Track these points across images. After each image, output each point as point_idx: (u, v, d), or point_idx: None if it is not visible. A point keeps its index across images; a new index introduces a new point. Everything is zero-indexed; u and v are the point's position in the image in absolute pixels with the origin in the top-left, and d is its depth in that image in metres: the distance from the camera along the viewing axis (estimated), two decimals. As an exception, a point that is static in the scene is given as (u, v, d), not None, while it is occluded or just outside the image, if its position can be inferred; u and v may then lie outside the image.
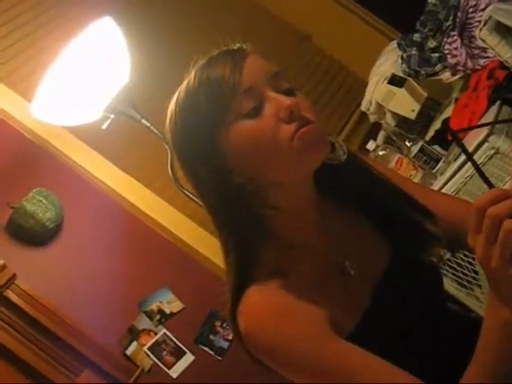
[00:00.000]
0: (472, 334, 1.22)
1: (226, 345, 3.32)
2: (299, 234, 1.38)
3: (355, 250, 1.43)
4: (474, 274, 3.02)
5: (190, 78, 1.34)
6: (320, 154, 1.30)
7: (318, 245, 1.40)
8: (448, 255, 2.70)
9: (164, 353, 3.28)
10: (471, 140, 2.90)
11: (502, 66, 3.08)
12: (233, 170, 1.30)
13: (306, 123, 1.27)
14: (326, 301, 1.32)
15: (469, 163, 2.83)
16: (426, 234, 1.48)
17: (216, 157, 1.30)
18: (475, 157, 2.80)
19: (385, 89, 3.69)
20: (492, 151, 2.76)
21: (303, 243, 1.37)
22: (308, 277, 1.35)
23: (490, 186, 1.15)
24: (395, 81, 3.64)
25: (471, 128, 2.47)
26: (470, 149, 2.83)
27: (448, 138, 3.23)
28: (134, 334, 3.27)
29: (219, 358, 3.32)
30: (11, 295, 3.15)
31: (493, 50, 3.08)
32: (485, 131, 2.76)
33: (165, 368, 3.26)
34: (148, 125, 2.83)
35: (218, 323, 3.37)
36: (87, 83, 2.81)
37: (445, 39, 3.42)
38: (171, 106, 1.37)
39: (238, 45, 1.39)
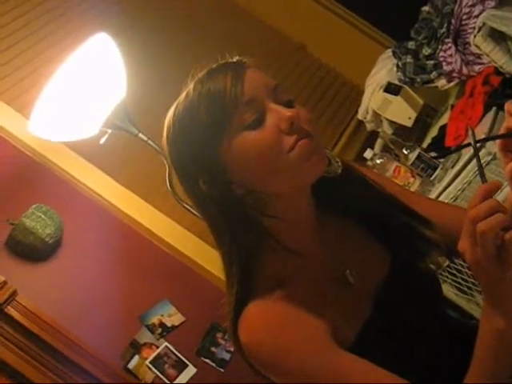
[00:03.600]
0: (471, 342, 1.22)
1: (227, 356, 3.32)
2: (299, 245, 1.37)
3: (354, 259, 1.44)
4: (473, 280, 3.03)
5: (189, 91, 1.34)
6: (317, 167, 1.31)
7: (317, 255, 1.40)
8: (447, 262, 2.70)
9: (166, 366, 3.27)
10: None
11: (497, 71, 3.10)
12: (233, 181, 1.31)
13: (305, 135, 1.28)
14: (326, 310, 1.32)
15: (467, 169, 2.85)
16: (424, 241, 1.48)
17: (217, 169, 1.30)
18: (472, 163, 2.82)
19: (381, 97, 3.70)
20: (489, 157, 2.77)
21: (303, 253, 1.37)
22: (308, 287, 1.35)
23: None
24: (391, 89, 3.66)
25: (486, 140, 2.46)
26: (467, 155, 2.85)
27: (445, 144, 3.24)
28: (135, 347, 3.27)
29: (221, 369, 3.31)
30: (12, 312, 3.15)
31: (487, 56, 3.09)
32: (482, 137, 2.76)
33: (167, 381, 3.25)
34: (145, 139, 2.83)
35: (219, 335, 3.36)
36: (84, 99, 2.82)
37: (439, 46, 3.43)
38: (169, 120, 1.37)
39: (237, 58, 1.40)
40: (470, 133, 1.23)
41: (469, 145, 1.24)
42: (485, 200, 1.09)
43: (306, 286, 1.35)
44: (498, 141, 1.27)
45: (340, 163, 1.38)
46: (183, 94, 1.35)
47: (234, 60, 1.39)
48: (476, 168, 2.81)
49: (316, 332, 1.29)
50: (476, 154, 1.26)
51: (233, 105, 1.27)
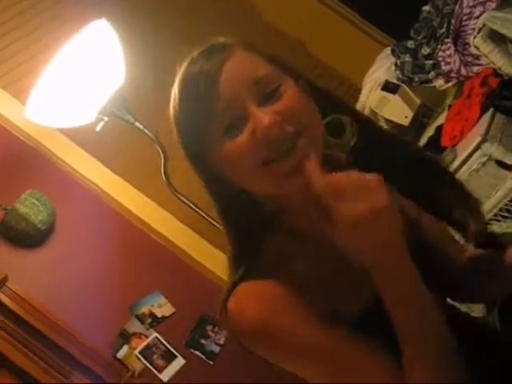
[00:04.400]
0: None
1: (217, 349, 3.31)
2: (299, 230, 1.36)
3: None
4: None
5: (174, 88, 1.32)
6: (298, 182, 1.23)
7: (321, 239, 1.38)
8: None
9: (155, 356, 3.27)
10: (464, 146, 2.91)
11: (496, 73, 3.09)
12: (227, 179, 1.30)
13: (280, 156, 1.22)
14: (324, 293, 1.29)
15: (462, 169, 2.85)
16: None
17: (210, 167, 1.30)
18: (469, 163, 2.82)
19: (378, 95, 3.70)
20: (485, 158, 2.77)
21: (305, 239, 1.35)
22: (308, 270, 1.32)
23: None
24: (389, 87, 3.65)
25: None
26: (463, 155, 2.85)
27: (441, 144, 3.24)
28: (125, 337, 3.27)
29: (210, 362, 3.31)
30: (2, 297, 3.15)
31: (486, 57, 3.09)
32: (478, 138, 2.77)
33: (155, 371, 3.25)
34: (141, 127, 2.83)
35: (209, 327, 3.36)
36: (81, 85, 2.81)
37: (439, 46, 3.43)
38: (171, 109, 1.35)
39: (221, 40, 1.34)
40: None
41: None
42: None
43: (305, 268, 1.32)
44: None
45: (355, 134, 1.30)
46: (172, 90, 1.33)
47: (218, 44, 1.33)
48: (471, 168, 2.82)
49: (305, 308, 1.26)
50: None
51: (208, 112, 1.24)
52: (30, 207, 3.26)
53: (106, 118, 2.88)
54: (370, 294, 1.27)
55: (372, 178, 1.12)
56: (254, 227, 1.35)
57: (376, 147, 1.38)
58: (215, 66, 1.26)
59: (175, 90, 1.31)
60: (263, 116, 1.21)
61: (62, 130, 3.54)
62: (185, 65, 1.31)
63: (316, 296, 1.27)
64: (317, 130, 1.27)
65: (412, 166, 1.43)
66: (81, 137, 3.57)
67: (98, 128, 2.90)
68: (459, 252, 1.56)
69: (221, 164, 1.27)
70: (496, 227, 2.91)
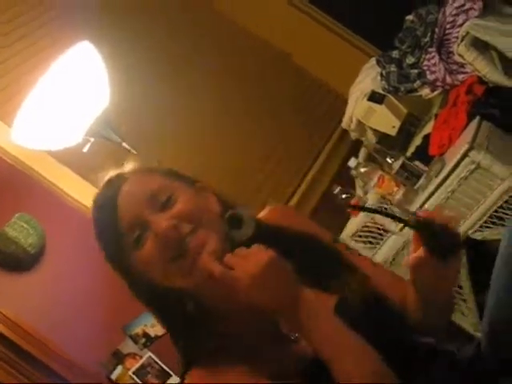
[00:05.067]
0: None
1: (211, 366, 3.30)
2: (223, 314, 1.45)
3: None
4: (458, 289, 3.03)
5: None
6: (201, 274, 1.36)
7: (250, 319, 1.43)
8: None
9: (149, 376, 3.26)
10: (452, 154, 2.91)
11: (481, 80, 3.10)
12: (152, 283, 1.41)
13: (181, 250, 1.36)
14: (269, 365, 1.38)
15: (451, 177, 2.85)
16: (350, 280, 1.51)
17: (135, 277, 1.43)
18: (457, 171, 2.82)
19: (365, 106, 3.70)
20: (473, 166, 2.78)
21: (236, 323, 1.44)
22: (247, 351, 1.40)
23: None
24: (375, 97, 3.66)
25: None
26: (451, 164, 2.85)
27: (429, 153, 3.24)
28: (118, 358, 3.25)
29: (205, 379, 3.29)
30: (-7, 321, 3.13)
31: (471, 65, 3.10)
32: (465, 146, 2.78)
33: (150, 391, 3.24)
34: (128, 147, 2.83)
35: (203, 345, 3.35)
36: (67, 107, 2.81)
37: (423, 55, 3.44)
38: None
39: (116, 173, 1.49)
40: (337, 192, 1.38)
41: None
42: None
43: (244, 349, 1.40)
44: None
45: (253, 222, 1.41)
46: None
47: (114, 177, 1.48)
48: (460, 176, 2.82)
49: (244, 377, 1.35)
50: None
51: (116, 232, 1.40)
52: (20, 231, 3.25)
53: (93, 139, 2.88)
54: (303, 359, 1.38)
55: (253, 248, 1.32)
56: (186, 323, 1.45)
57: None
58: (114, 192, 1.42)
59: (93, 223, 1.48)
60: (161, 221, 1.37)
61: (49, 152, 3.52)
62: (94, 197, 1.49)
63: (253, 366, 1.36)
64: (211, 221, 1.41)
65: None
66: (68, 158, 3.56)
67: (86, 149, 2.90)
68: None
69: (141, 270, 1.40)
70: (487, 234, 2.92)
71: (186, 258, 1.36)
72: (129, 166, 1.50)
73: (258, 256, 1.30)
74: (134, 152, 2.82)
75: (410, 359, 1.30)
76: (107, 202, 1.43)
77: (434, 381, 1.39)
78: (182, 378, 1.43)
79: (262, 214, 1.66)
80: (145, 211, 1.39)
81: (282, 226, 1.56)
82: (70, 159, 3.55)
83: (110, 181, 1.47)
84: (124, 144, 2.84)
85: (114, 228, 1.39)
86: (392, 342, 1.30)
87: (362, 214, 3.33)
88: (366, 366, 1.26)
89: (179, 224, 1.37)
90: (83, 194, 3.63)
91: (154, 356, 3.30)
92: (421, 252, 1.40)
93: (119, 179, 1.45)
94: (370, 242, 3.24)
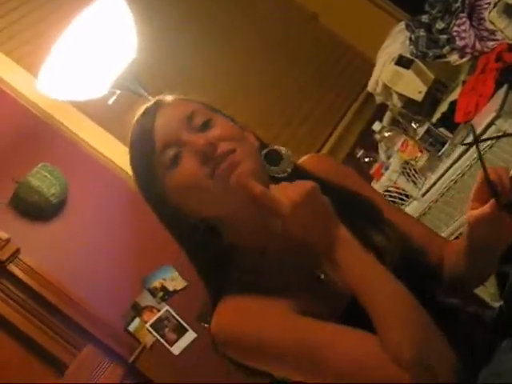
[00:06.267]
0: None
1: (228, 323, 3.32)
2: (264, 255, 1.43)
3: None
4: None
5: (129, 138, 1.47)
6: (242, 183, 1.33)
7: (285, 260, 1.42)
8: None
9: (166, 330, 3.29)
10: (478, 122, 2.89)
11: (511, 48, 3.06)
12: (184, 213, 1.41)
13: (221, 159, 1.34)
14: (297, 300, 1.36)
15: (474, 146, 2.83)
16: (384, 233, 1.50)
17: (168, 206, 1.42)
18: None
19: (392, 70, 3.67)
20: (499, 134, 2.76)
21: (269, 261, 1.42)
22: (278, 285, 1.38)
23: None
24: (402, 62, 3.62)
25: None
26: (478, 131, 2.83)
27: (454, 120, 3.22)
28: (136, 310, 3.28)
29: (221, 335, 3.32)
30: (15, 269, 3.16)
31: (501, 32, 3.06)
32: (492, 114, 2.75)
33: (167, 345, 3.27)
34: (154, 101, 2.82)
35: (220, 301, 3.37)
36: (94, 58, 2.81)
37: (453, 21, 3.40)
38: None
39: (155, 99, 1.48)
40: (469, 130, 1.31)
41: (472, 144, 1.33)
42: None
43: (274, 284, 1.39)
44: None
45: (291, 160, 1.42)
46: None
47: (150, 105, 1.46)
48: (485, 144, 2.80)
49: (279, 309, 1.34)
50: (478, 152, 1.38)
51: (150, 151, 1.38)
52: (42, 180, 3.26)
53: (119, 92, 2.88)
54: (340, 309, 1.36)
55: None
56: (218, 255, 1.45)
57: None
58: (151, 115, 1.42)
59: (128, 148, 1.47)
60: (198, 138, 1.35)
61: (73, 104, 3.53)
62: (131, 129, 1.47)
63: (285, 300, 1.35)
64: (250, 148, 1.40)
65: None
66: (93, 110, 3.57)
67: (111, 101, 2.90)
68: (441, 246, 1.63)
69: (175, 196, 1.39)
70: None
71: (224, 175, 1.33)
72: (167, 95, 1.48)
73: (299, 185, 1.27)
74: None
75: (437, 317, 1.29)
76: (144, 124, 1.41)
77: (459, 337, 1.38)
78: (213, 308, 1.41)
79: (299, 161, 1.62)
80: (181, 131, 1.37)
81: (319, 174, 1.53)
82: (95, 111, 3.56)
83: (148, 106, 1.46)
84: (150, 98, 2.83)
85: (149, 148, 1.38)
86: (423, 298, 1.29)
87: (384, 178, 3.32)
88: (404, 311, 1.25)
89: (217, 143, 1.35)
90: (106, 146, 3.65)
91: (171, 310, 3.33)
92: (487, 208, 1.36)
93: (157, 104, 1.44)
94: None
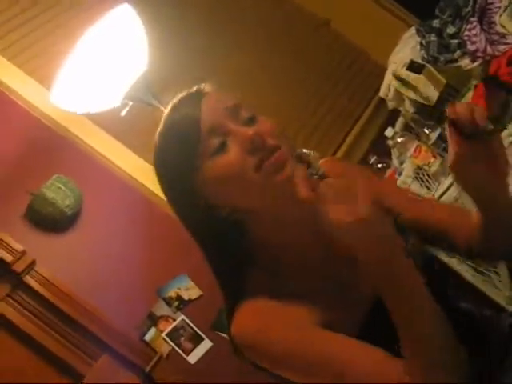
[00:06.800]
0: (478, 331, 1.28)
1: (243, 331, 3.32)
2: (290, 254, 1.41)
3: (351, 262, 1.43)
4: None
5: (160, 125, 1.40)
6: (286, 180, 1.32)
7: (312, 261, 1.42)
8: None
9: (182, 339, 3.30)
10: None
11: (522, 52, 3.06)
12: (215, 205, 1.36)
13: (270, 153, 1.31)
14: (320, 309, 1.35)
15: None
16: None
17: (197, 198, 1.36)
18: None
19: (404, 75, 3.67)
20: (510, 138, 2.75)
21: (296, 261, 1.41)
22: (302, 290, 1.38)
23: None
24: (414, 67, 3.62)
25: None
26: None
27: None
28: (152, 320, 3.29)
29: (237, 344, 3.33)
30: (30, 281, 3.19)
31: (513, 36, 3.06)
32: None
33: (183, 354, 3.28)
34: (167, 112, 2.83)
35: (235, 310, 3.37)
36: (106, 70, 2.82)
37: (464, 25, 3.39)
38: (153, 144, 1.44)
39: (196, 87, 1.43)
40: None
41: None
42: None
43: (298, 287, 1.38)
44: None
45: (319, 168, 1.37)
46: (159, 127, 1.42)
47: (194, 90, 1.42)
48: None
49: (302, 319, 1.33)
50: None
51: (194, 136, 1.32)
52: (57, 192, 3.28)
53: (131, 103, 2.89)
54: (363, 312, 1.36)
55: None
56: (240, 254, 1.42)
57: None
58: (195, 104, 1.36)
59: (160, 136, 1.40)
60: (247, 130, 1.32)
61: (87, 116, 3.54)
62: (167, 113, 1.41)
63: (308, 307, 1.34)
64: (289, 149, 1.36)
65: None
66: (106, 122, 3.58)
67: (123, 113, 2.91)
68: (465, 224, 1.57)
69: (211, 186, 1.34)
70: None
71: (272, 169, 1.31)
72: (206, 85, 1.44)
73: (360, 196, 1.23)
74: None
75: (453, 320, 1.29)
76: (189, 110, 1.36)
77: (475, 341, 1.38)
78: (231, 311, 1.39)
79: None
80: (228, 121, 1.33)
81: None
82: (108, 122, 3.57)
83: (189, 92, 1.42)
84: (162, 108, 2.84)
85: (193, 134, 1.32)
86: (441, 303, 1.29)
87: (397, 184, 3.32)
88: (438, 337, 1.24)
89: (265, 137, 1.32)
90: (119, 157, 3.66)
91: (186, 319, 3.34)
92: (456, 146, 1.31)
93: (200, 92, 1.40)
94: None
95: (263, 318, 1.35)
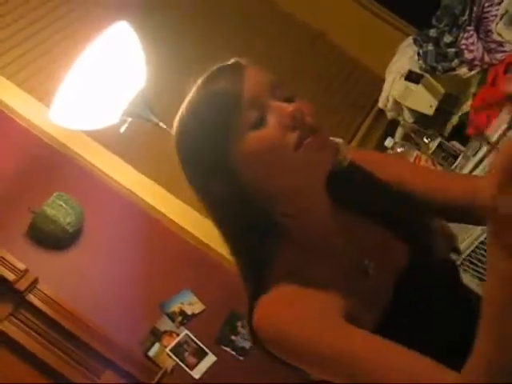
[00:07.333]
0: None
1: (247, 345, 3.32)
2: (315, 238, 1.39)
3: (373, 250, 1.43)
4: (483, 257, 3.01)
5: (193, 96, 1.36)
6: (325, 159, 1.33)
7: (335, 247, 1.40)
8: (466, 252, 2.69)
9: (186, 354, 3.29)
10: (490, 134, 2.89)
11: (520, 59, 3.07)
12: (246, 181, 1.32)
13: (309, 132, 1.29)
14: (342, 298, 1.32)
15: (489, 158, 2.83)
16: (429, 230, 1.50)
17: (228, 172, 1.32)
18: (499, 145, 2.80)
19: (402, 85, 3.68)
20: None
21: (320, 245, 1.39)
22: (325, 278, 1.35)
23: None
24: (412, 77, 3.64)
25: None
26: (494, 136, 2.82)
27: (466, 132, 3.22)
28: (156, 335, 3.29)
29: (241, 358, 3.32)
30: (33, 299, 3.18)
31: (509, 43, 3.07)
32: (504, 125, 2.75)
33: (187, 369, 3.27)
34: (165, 127, 2.84)
35: (239, 323, 3.37)
36: (104, 87, 2.83)
37: (461, 34, 3.41)
38: (176, 127, 1.39)
39: (234, 60, 1.41)
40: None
41: None
42: None
43: (322, 276, 1.35)
44: None
45: (347, 156, 1.39)
46: (187, 100, 1.37)
47: (232, 62, 1.40)
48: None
49: (326, 311, 1.29)
50: None
51: (235, 107, 1.29)
52: (58, 210, 3.28)
53: (130, 119, 2.89)
54: (383, 307, 1.33)
55: None
56: (266, 240, 1.37)
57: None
58: (237, 75, 1.33)
59: (195, 104, 1.34)
60: (287, 106, 1.29)
61: (86, 133, 3.55)
62: (202, 83, 1.36)
63: (333, 299, 1.31)
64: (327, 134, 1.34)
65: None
66: (106, 138, 3.58)
67: (122, 129, 2.92)
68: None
69: (248, 158, 1.30)
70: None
71: (313, 148, 1.29)
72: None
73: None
74: (172, 132, 2.83)
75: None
76: (230, 81, 1.33)
77: None
78: (254, 302, 1.34)
79: None
80: (268, 96, 1.31)
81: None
82: (107, 139, 3.58)
83: (227, 64, 1.40)
84: (161, 124, 2.85)
85: (234, 105, 1.29)
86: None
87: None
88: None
89: (305, 115, 1.29)
90: (120, 173, 3.67)
91: (190, 334, 3.33)
92: None
93: (240, 64, 1.38)
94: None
95: (289, 309, 1.31)
